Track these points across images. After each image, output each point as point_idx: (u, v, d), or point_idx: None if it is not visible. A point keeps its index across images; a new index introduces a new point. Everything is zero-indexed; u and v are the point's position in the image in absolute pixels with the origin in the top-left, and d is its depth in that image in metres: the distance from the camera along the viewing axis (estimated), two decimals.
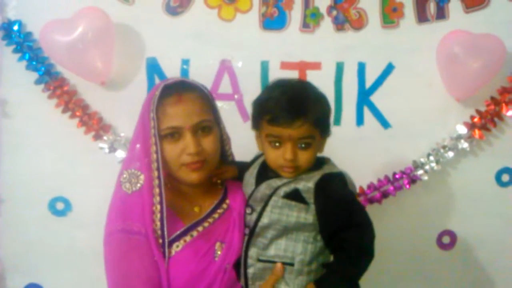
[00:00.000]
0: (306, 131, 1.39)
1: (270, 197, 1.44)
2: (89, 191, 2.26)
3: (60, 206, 2.32)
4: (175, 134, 1.48)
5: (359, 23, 2.28)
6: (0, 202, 2.34)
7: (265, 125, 1.43)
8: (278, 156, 1.42)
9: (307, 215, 1.40)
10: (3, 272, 2.37)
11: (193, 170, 1.50)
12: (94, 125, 2.24)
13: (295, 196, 1.41)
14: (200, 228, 1.52)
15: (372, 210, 2.26)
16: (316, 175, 1.43)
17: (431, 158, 2.31)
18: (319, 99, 1.46)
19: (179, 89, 1.50)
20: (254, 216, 1.46)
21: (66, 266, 2.33)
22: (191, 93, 1.51)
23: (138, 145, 1.53)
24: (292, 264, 1.41)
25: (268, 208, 1.43)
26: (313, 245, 1.42)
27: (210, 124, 1.52)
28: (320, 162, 1.49)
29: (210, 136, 1.52)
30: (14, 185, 2.33)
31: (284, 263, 1.41)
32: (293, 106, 1.39)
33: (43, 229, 2.33)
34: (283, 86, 1.46)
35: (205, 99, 1.54)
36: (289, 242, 1.42)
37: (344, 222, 1.38)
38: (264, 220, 1.43)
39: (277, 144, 1.42)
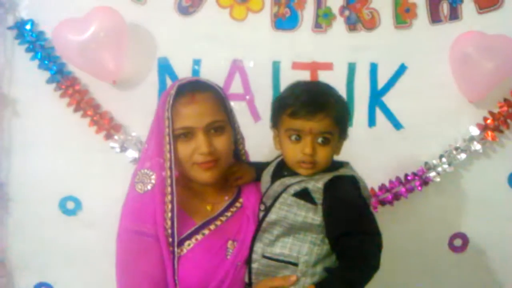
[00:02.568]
0: (326, 126, 1.42)
1: (280, 194, 1.45)
2: (100, 190, 2.27)
3: (70, 205, 2.32)
4: (187, 134, 1.49)
5: (371, 24, 2.27)
6: (11, 201, 2.34)
7: (286, 119, 1.45)
8: (297, 151, 1.43)
9: (315, 216, 1.40)
10: (13, 271, 2.38)
11: (205, 170, 1.51)
12: (105, 124, 2.25)
13: (304, 195, 1.42)
14: (212, 227, 1.53)
15: (383, 212, 2.29)
16: (327, 176, 1.42)
17: (444, 159, 2.29)
18: (339, 98, 1.50)
19: (193, 89, 1.51)
20: (264, 212, 1.48)
21: (76, 265, 2.34)
22: (204, 92, 1.52)
23: (152, 144, 1.54)
24: (296, 264, 1.40)
25: (277, 205, 1.44)
26: (319, 247, 1.41)
27: (222, 124, 1.53)
28: (338, 165, 1.49)
29: (223, 136, 1.53)
30: (25, 184, 2.33)
31: (288, 263, 1.41)
32: (315, 100, 1.43)
33: (54, 228, 2.34)
34: (304, 85, 1.52)
35: (218, 99, 1.55)
36: (295, 242, 1.42)
37: (350, 226, 1.37)
38: (272, 216, 1.44)
39: (297, 138, 1.43)
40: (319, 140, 1.42)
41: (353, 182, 1.45)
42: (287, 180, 1.46)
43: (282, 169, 1.52)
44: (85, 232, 2.30)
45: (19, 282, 2.40)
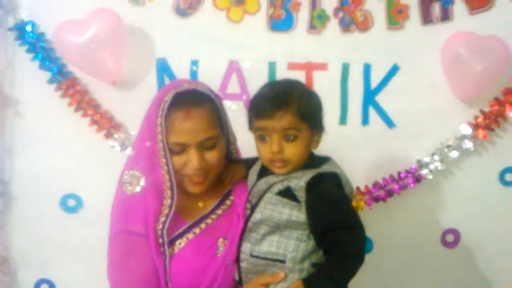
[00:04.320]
0: (289, 122, 1.40)
1: (264, 192, 1.46)
2: (100, 188, 2.21)
3: (71, 203, 2.34)
4: (180, 148, 1.48)
5: (364, 25, 2.29)
6: (12, 199, 2.36)
7: (254, 121, 1.45)
8: (267, 151, 1.44)
9: (299, 214, 1.41)
10: (14, 268, 2.40)
11: (195, 184, 1.52)
12: (105, 124, 2.27)
13: (287, 193, 1.43)
14: (202, 225, 1.54)
15: (377, 209, 2.32)
16: (309, 174, 1.43)
17: (436, 157, 2.32)
18: (305, 93, 1.48)
19: (189, 104, 1.47)
20: (250, 211, 1.49)
21: (77, 262, 2.36)
22: (201, 108, 1.48)
23: (143, 146, 1.52)
24: (283, 261, 1.42)
25: (262, 204, 1.45)
26: (305, 244, 1.42)
27: (216, 140, 1.51)
28: (320, 161, 1.49)
29: (215, 150, 1.51)
30: (27, 183, 2.35)
31: (275, 260, 1.43)
32: (275, 98, 1.42)
33: (55, 226, 2.36)
34: (271, 84, 1.52)
35: (214, 112, 1.52)
36: (282, 239, 1.43)
37: (332, 223, 1.39)
38: (257, 215, 1.45)
39: (265, 138, 1.44)
40: (285, 137, 1.42)
41: (335, 178, 1.45)
42: (270, 179, 1.47)
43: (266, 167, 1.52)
44: (86, 230, 2.32)
45: (21, 279, 2.42)
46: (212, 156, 1.50)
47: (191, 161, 1.47)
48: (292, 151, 1.42)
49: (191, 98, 1.49)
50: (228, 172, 1.63)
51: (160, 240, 1.47)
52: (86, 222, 2.34)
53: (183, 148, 1.48)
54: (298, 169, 1.46)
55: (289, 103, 1.41)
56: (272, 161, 1.45)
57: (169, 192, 1.48)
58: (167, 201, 1.48)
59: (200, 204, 1.58)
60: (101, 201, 2.18)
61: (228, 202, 1.61)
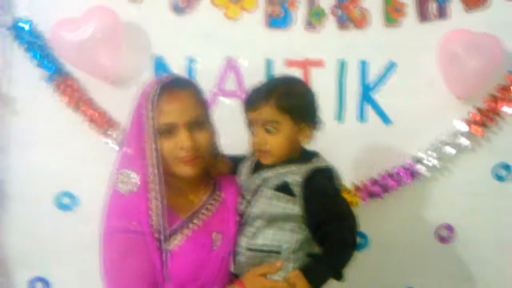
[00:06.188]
0: (267, 115, 1.47)
1: (259, 187, 1.50)
2: (96, 186, 2.18)
3: (66, 200, 2.34)
4: (170, 130, 1.51)
5: (362, 22, 2.30)
6: (7, 198, 2.36)
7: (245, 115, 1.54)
8: (252, 142, 1.52)
9: (294, 206, 1.46)
10: (9, 266, 2.40)
11: (187, 164, 1.53)
12: (102, 122, 2.27)
13: (284, 188, 1.47)
14: (196, 220, 1.55)
15: (373, 204, 2.34)
16: (304, 169, 1.48)
17: (431, 153, 2.34)
18: (291, 88, 1.53)
19: (174, 86, 1.53)
20: (245, 205, 1.53)
21: (72, 260, 2.36)
22: (186, 89, 1.55)
23: (133, 144, 1.54)
24: (279, 253, 1.47)
25: (257, 199, 1.51)
26: (299, 234, 1.48)
27: (204, 119, 1.56)
28: (310, 156, 1.55)
29: (204, 131, 1.55)
30: (22, 181, 2.35)
31: (272, 251, 1.47)
32: (259, 92, 1.51)
33: (50, 224, 2.36)
34: (268, 80, 1.61)
35: (198, 96, 1.58)
36: (276, 231, 1.48)
37: (328, 214, 1.45)
38: (253, 210, 1.50)
39: (253, 131, 1.52)
40: (266, 129, 1.48)
41: (330, 173, 1.52)
42: (264, 173, 1.51)
43: (260, 162, 1.56)
44: (81, 228, 2.30)
45: (16, 277, 2.41)
46: (202, 137, 1.54)
47: (182, 141, 1.50)
48: (273, 143, 1.49)
49: (176, 83, 1.57)
50: (216, 164, 1.67)
51: (156, 235, 1.47)
52: (81, 220, 2.33)
53: (173, 130, 1.51)
54: (291, 163, 1.51)
55: (269, 97, 1.47)
56: (257, 152, 1.52)
57: (151, 185, 1.49)
58: (152, 194, 1.49)
59: (191, 197, 1.61)
60: (96, 199, 2.16)
61: (216, 197, 1.63)
